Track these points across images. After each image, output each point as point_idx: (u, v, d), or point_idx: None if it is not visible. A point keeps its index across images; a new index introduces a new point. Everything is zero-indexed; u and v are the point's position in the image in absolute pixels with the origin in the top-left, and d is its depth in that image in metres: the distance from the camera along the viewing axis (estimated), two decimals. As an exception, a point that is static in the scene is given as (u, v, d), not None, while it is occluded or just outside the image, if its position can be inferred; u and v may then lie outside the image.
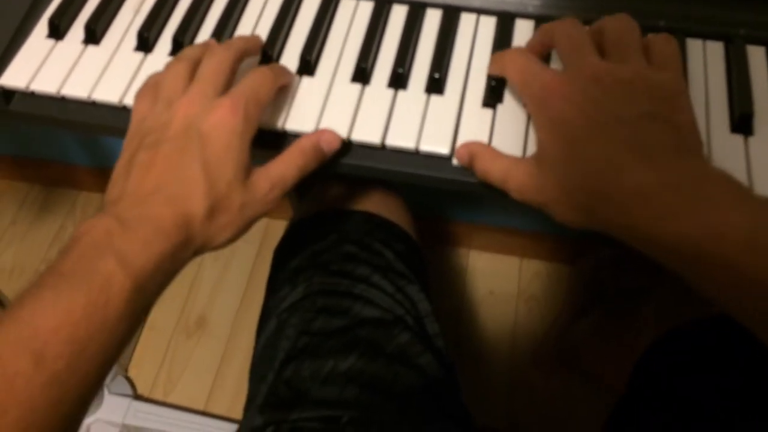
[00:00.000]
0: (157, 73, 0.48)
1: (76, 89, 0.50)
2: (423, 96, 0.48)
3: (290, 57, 0.51)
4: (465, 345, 1.21)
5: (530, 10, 0.51)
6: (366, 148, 0.47)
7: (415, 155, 0.47)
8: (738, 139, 0.45)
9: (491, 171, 0.44)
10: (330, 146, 0.46)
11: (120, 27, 0.53)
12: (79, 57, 0.52)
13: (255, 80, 0.45)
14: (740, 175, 0.43)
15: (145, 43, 0.52)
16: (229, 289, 1.30)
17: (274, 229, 1.36)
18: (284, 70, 0.49)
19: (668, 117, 0.39)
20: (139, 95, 0.47)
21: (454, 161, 0.46)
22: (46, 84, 0.50)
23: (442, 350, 0.61)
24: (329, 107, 0.48)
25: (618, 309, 0.94)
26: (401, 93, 0.48)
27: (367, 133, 0.47)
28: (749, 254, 0.34)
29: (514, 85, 0.46)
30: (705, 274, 0.36)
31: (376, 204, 0.67)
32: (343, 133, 0.47)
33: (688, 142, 0.40)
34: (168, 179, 0.41)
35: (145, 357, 1.23)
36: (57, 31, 0.52)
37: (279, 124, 0.48)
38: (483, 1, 0.52)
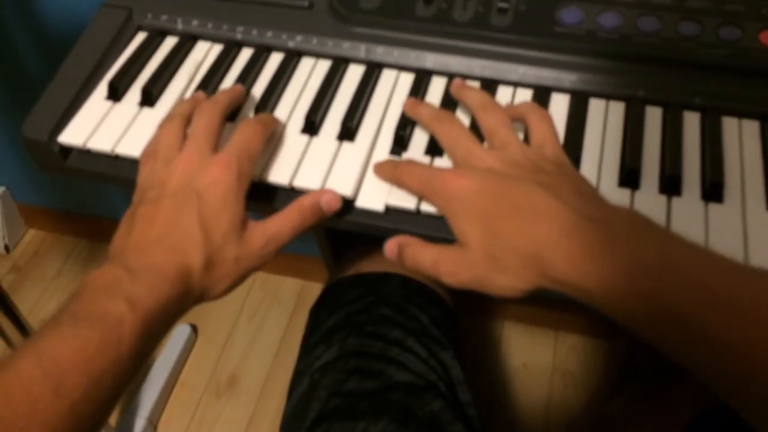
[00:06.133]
0: (154, 139, 0.51)
1: (130, 148, 0.52)
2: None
3: (332, 124, 0.53)
4: (497, 417, 1.19)
5: (566, 84, 0.53)
6: (402, 213, 0.48)
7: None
8: (774, 216, 0.45)
9: (421, 258, 0.45)
10: (329, 206, 0.48)
11: (174, 91, 0.56)
12: (134, 118, 0.54)
13: (244, 135, 0.48)
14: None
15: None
16: (262, 350, 1.31)
17: (309, 291, 1.37)
18: (271, 119, 0.51)
19: (563, 175, 0.44)
20: (142, 158, 0.50)
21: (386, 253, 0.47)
22: (101, 142, 0.53)
23: (473, 419, 0.60)
24: (369, 174, 0.50)
25: (655, 387, 0.92)
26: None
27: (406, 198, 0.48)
28: (662, 287, 0.36)
29: (415, 192, 0.47)
30: (625, 311, 0.38)
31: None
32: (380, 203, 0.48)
33: (588, 190, 0.44)
34: (167, 232, 0.44)
35: (175, 414, 1.24)
36: (116, 93, 0.56)
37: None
38: (521, 75, 0.54)
